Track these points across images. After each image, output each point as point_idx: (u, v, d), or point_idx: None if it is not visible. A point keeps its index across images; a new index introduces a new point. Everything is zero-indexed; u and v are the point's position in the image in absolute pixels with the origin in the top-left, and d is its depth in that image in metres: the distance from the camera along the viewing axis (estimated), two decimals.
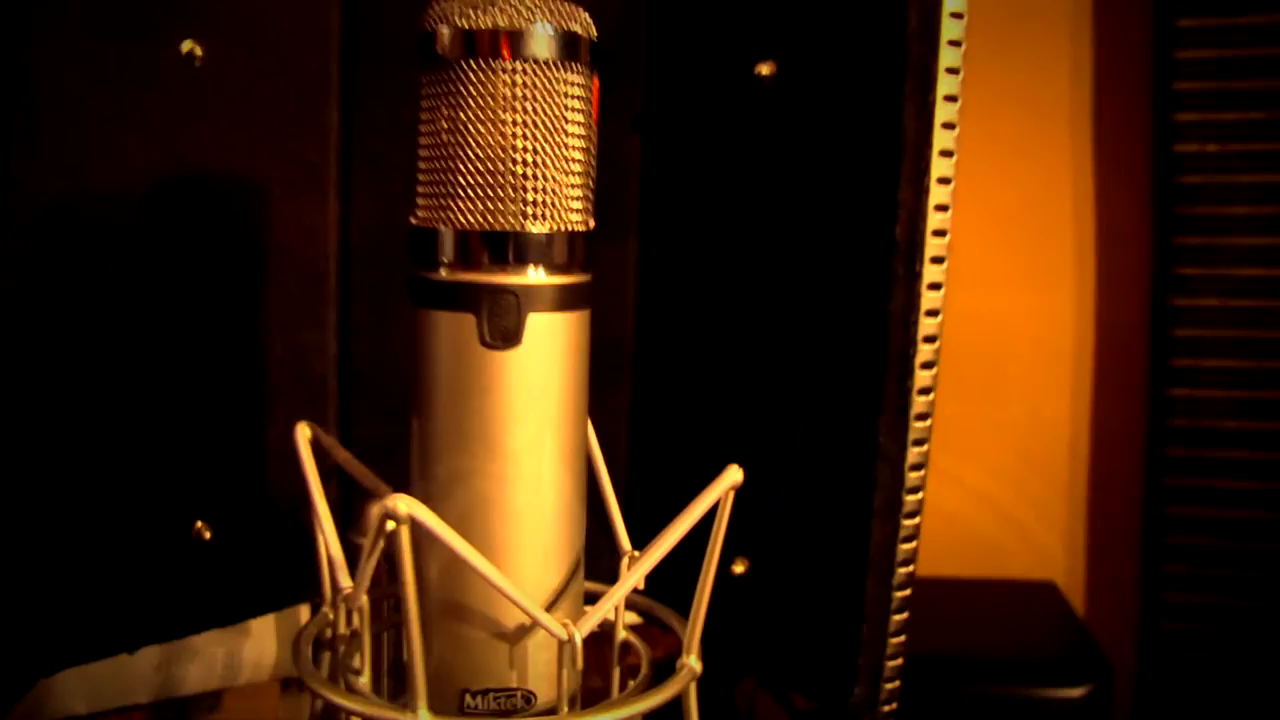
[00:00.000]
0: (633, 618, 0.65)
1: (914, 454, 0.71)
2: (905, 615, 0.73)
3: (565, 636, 0.51)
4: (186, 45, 0.76)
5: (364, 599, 0.54)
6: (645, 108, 0.82)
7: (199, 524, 0.79)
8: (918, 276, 0.69)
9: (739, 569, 0.79)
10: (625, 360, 0.84)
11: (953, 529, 1.55)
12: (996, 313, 1.56)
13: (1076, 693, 1.26)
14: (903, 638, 0.73)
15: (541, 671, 0.54)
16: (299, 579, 0.81)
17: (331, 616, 0.58)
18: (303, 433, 0.60)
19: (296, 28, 0.79)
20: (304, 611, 1.01)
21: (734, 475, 0.56)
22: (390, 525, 0.48)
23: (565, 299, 0.53)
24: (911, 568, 0.72)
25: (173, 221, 0.77)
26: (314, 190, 0.81)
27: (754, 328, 0.80)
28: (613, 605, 0.55)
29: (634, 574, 0.55)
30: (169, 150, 0.77)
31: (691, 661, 0.56)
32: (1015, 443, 1.60)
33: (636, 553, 0.62)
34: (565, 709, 0.53)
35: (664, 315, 0.84)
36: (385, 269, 0.82)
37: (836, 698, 0.75)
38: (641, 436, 0.85)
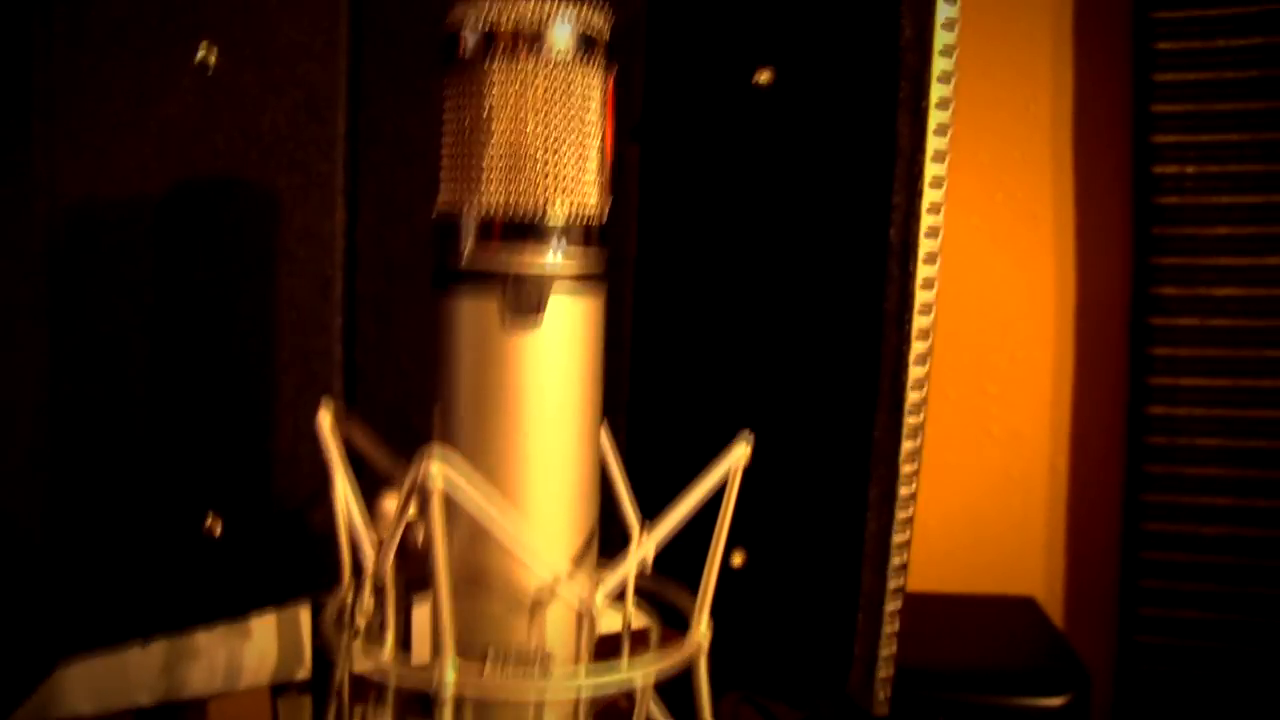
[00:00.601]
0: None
1: (907, 448, 0.73)
2: (899, 605, 0.75)
3: (584, 597, 0.53)
4: (200, 55, 0.78)
5: (389, 566, 0.56)
6: (645, 113, 0.85)
7: (209, 521, 0.80)
8: (911, 276, 0.71)
9: (737, 560, 0.81)
10: (623, 358, 0.86)
11: (935, 545, 1.56)
12: (976, 331, 1.58)
13: (1056, 702, 1.27)
14: (896, 626, 0.75)
15: (558, 634, 0.56)
16: (301, 576, 0.83)
17: (351, 597, 0.59)
18: (325, 412, 0.62)
19: (306, 40, 0.81)
20: (304, 613, 1.02)
21: (744, 448, 0.58)
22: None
23: (582, 282, 0.56)
24: (905, 558, 0.74)
25: (186, 227, 0.79)
26: (321, 198, 0.83)
27: (751, 325, 0.82)
28: (630, 568, 0.57)
29: (650, 540, 0.57)
30: (183, 158, 0.78)
31: (701, 630, 0.58)
32: (995, 460, 1.62)
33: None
34: (583, 666, 0.55)
35: (662, 313, 0.86)
36: (390, 276, 0.84)
37: (832, 685, 0.76)
38: (639, 431, 0.86)
